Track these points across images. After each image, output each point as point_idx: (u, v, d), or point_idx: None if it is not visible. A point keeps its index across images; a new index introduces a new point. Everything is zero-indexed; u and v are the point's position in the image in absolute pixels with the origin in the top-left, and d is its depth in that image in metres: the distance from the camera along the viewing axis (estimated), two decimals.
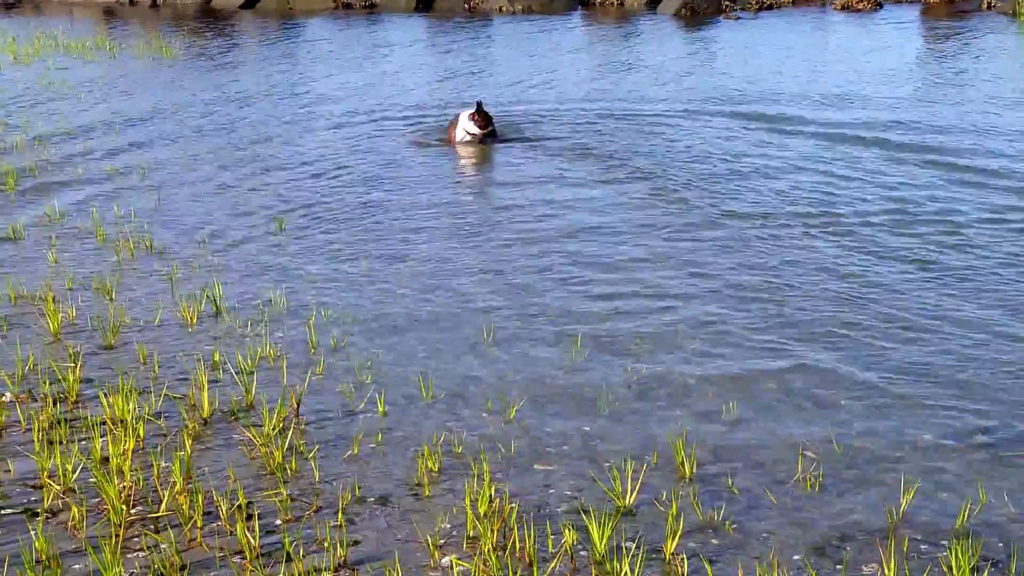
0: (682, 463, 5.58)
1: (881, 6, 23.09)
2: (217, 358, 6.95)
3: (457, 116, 12.55)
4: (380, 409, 6.27)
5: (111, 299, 8.04)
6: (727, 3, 23.26)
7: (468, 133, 12.23)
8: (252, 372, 6.79)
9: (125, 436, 5.79)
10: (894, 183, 10.55)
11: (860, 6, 22.85)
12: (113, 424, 5.95)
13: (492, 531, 4.92)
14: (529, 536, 4.84)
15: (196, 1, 28.02)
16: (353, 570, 4.73)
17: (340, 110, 14.41)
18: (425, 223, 9.71)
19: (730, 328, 7.34)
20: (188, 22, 24.91)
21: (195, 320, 7.61)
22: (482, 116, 12.22)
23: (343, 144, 12.60)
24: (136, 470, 5.51)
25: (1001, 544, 4.88)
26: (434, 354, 7.10)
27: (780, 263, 8.50)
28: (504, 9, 25.10)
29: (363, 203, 10.34)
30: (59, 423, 6.05)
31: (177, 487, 5.28)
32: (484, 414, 6.28)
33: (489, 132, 12.26)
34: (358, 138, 12.84)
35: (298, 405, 6.28)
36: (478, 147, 12.26)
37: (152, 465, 5.55)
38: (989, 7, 21.87)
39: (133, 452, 5.68)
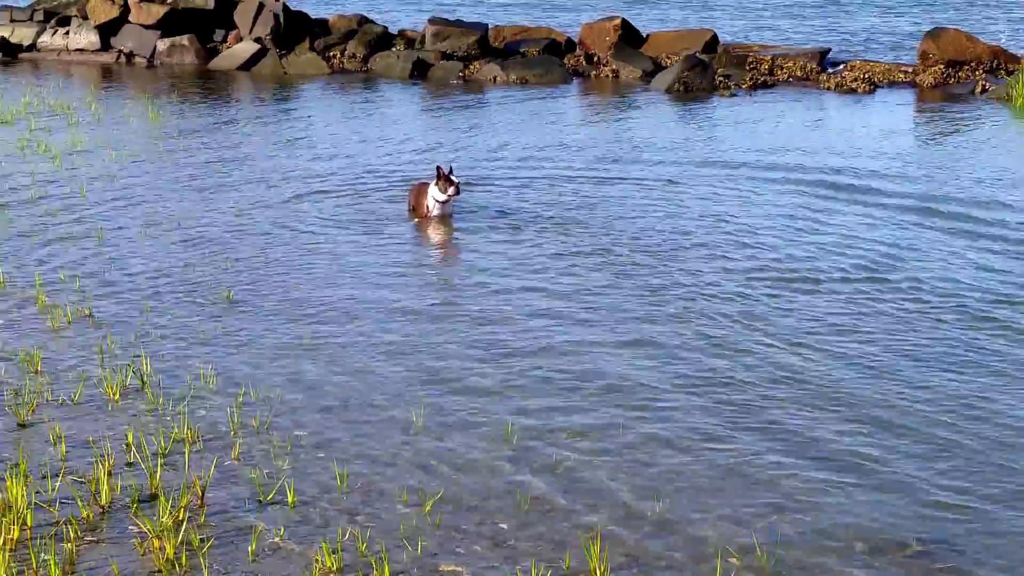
0: (594, 569, 5.27)
1: (876, 88, 22.94)
2: (131, 439, 6.67)
3: (421, 186, 12.28)
4: (290, 499, 5.99)
5: (35, 371, 7.77)
6: (721, 79, 23.13)
7: (438, 202, 11.96)
8: (165, 455, 6.50)
9: (11, 524, 5.49)
10: (873, 249, 10.29)
11: (855, 86, 22.70)
12: (1, 511, 5.66)
13: None
14: None
15: (193, 62, 28.00)
16: None
17: (314, 177, 14.19)
18: (374, 303, 9.40)
19: (668, 422, 7.05)
20: (182, 83, 24.84)
21: (118, 396, 7.35)
22: (445, 180, 11.95)
23: (308, 214, 12.35)
24: (13, 563, 5.20)
25: None
26: (359, 439, 6.82)
27: (731, 342, 8.23)
28: (498, 79, 25.00)
29: (314, 278, 10.04)
30: None
31: None
32: (399, 506, 6.00)
33: (456, 191, 11.95)
34: (324, 208, 12.60)
35: (203, 493, 5.98)
36: (444, 218, 12.04)
37: (30, 558, 5.25)
38: (983, 92, 21.70)
39: (17, 542, 5.38)
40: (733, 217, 12.19)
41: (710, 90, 22.60)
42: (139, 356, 7.96)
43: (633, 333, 8.59)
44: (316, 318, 8.94)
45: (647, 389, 7.55)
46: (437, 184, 11.90)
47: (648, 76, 24.73)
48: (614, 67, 25.61)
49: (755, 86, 23.26)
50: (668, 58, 25.94)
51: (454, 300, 9.48)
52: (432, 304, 9.33)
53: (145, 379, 7.58)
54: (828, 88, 22.90)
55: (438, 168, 12.01)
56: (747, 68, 24.52)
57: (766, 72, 24.45)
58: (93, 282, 9.82)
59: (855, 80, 23.06)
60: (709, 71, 23.38)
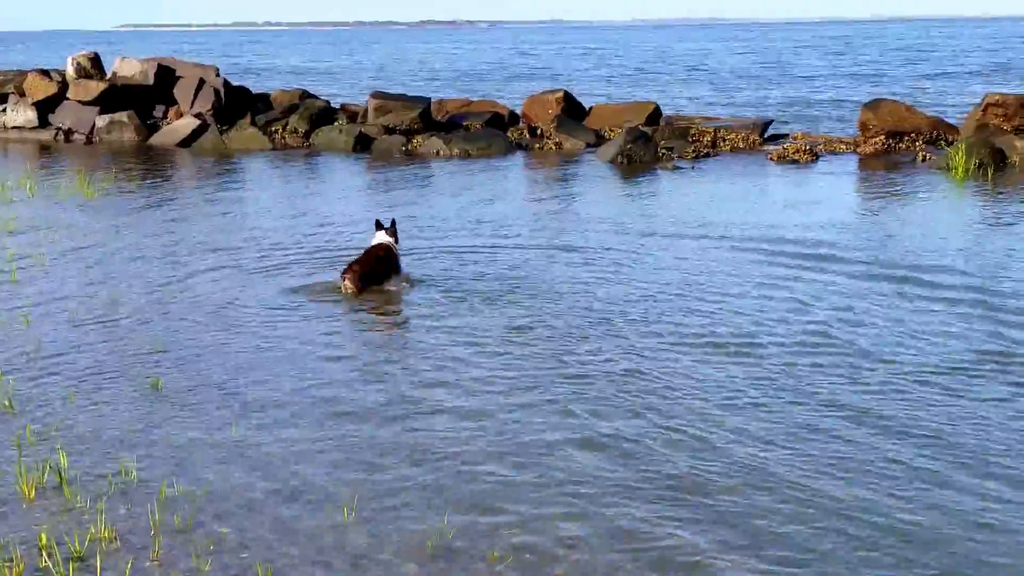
0: None
1: (818, 158, 23.03)
2: (44, 541, 6.31)
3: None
4: None
5: None
6: (664, 151, 23.13)
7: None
8: (80, 558, 6.16)
9: None
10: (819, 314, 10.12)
11: (797, 157, 22.77)
12: None
13: None
14: None
15: (133, 138, 27.73)
16: None
17: (252, 254, 13.90)
18: (308, 392, 9.09)
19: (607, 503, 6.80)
20: (121, 160, 24.55)
21: (33, 494, 6.99)
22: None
23: (245, 293, 12.04)
24: None
25: None
26: (285, 536, 6.51)
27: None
28: (441, 152, 24.89)
29: (244, 365, 9.70)
30: None
31: None
32: None
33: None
34: (261, 287, 12.30)
35: None
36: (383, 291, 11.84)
37: None
38: (924, 160, 21.83)
39: None
40: (673, 284, 12.05)
41: (653, 162, 22.60)
42: (58, 449, 7.61)
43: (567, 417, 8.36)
44: (244, 409, 8.61)
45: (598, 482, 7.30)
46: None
47: (591, 148, 24.75)
48: (557, 139, 25.64)
49: (698, 157, 23.29)
50: (611, 130, 26.03)
51: (387, 388, 9.17)
52: (365, 394, 9.02)
53: (63, 475, 7.23)
54: (771, 159, 22.96)
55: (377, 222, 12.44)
56: (689, 140, 24.61)
57: (709, 144, 24.54)
58: (15, 368, 9.46)
59: (797, 151, 23.13)
60: (652, 143, 23.39)
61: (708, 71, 60.60)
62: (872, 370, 9.34)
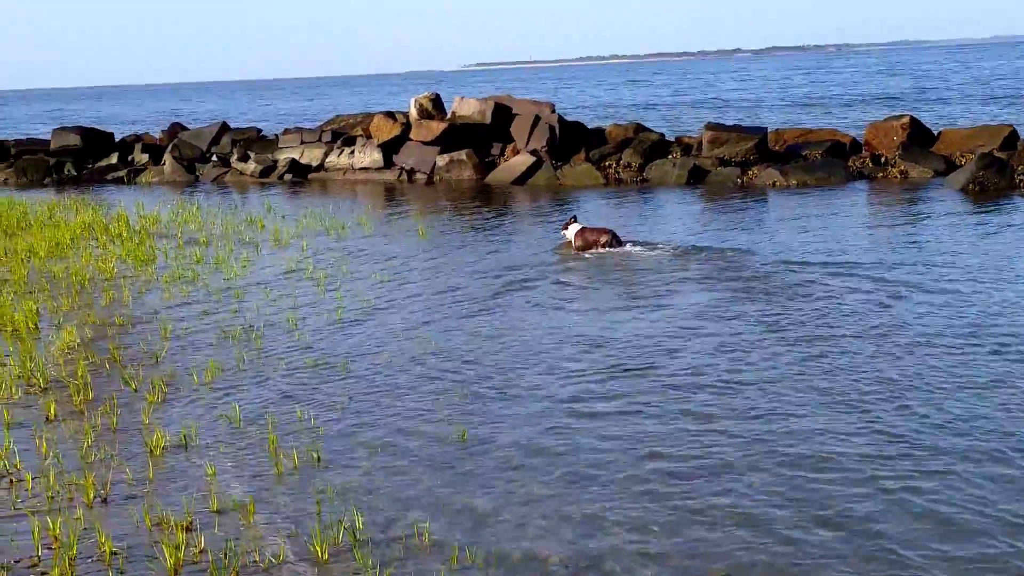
0: None
1: None
2: None
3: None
4: None
5: (248, 524, 7.33)
6: (1021, 178, 21.38)
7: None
8: None
9: None
10: None
11: None
12: None
13: None
14: None
15: (471, 176, 28.21)
16: None
17: (546, 287, 13.58)
18: (633, 452, 8.61)
19: None
20: (458, 198, 24.96)
21: (326, 555, 6.79)
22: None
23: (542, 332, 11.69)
24: None
25: None
26: None
27: None
28: (777, 183, 23.99)
29: (555, 426, 9.32)
30: None
31: None
32: None
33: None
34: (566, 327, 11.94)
35: None
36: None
37: None
38: None
39: None
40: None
41: (1008, 189, 20.92)
42: (354, 507, 7.42)
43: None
44: (554, 467, 8.19)
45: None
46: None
47: (939, 176, 23.26)
48: (902, 167, 24.26)
49: None
50: (961, 157, 24.37)
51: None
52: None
53: (357, 536, 7.02)
54: None
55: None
56: None
57: None
58: (328, 420, 9.41)
59: None
60: (1008, 169, 21.67)
61: None
62: None
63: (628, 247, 16.70)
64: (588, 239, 16.89)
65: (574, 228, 17.17)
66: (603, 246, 16.71)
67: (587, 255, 16.54)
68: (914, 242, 16.32)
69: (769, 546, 6.70)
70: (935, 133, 26.69)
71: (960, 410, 8.87)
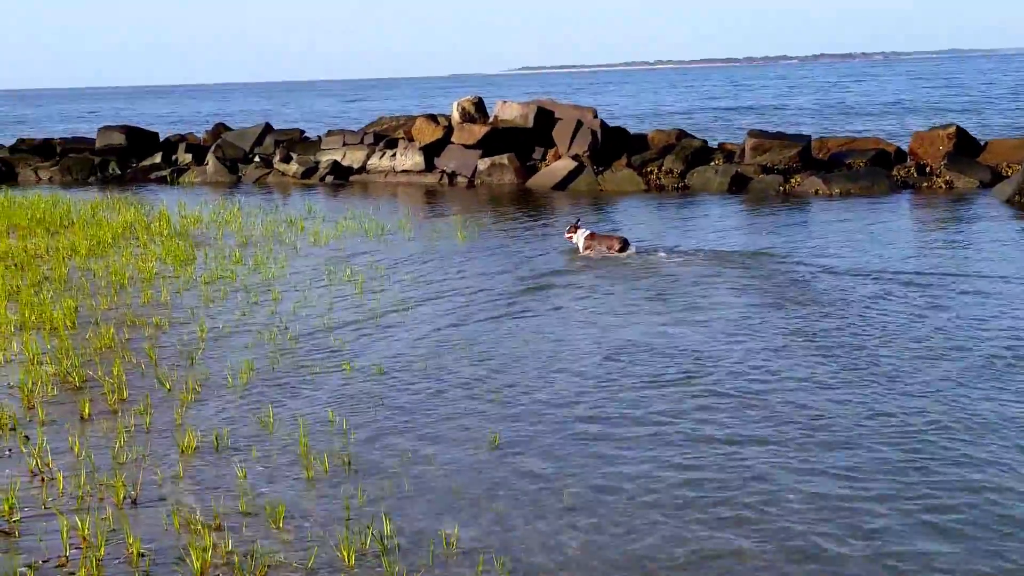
0: None
1: None
2: None
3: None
4: None
5: (278, 527, 7.28)
6: None
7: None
8: None
9: None
10: None
11: None
12: None
13: None
14: None
15: (513, 180, 28.16)
16: None
17: (567, 297, 13.50)
18: (664, 465, 8.51)
19: None
20: (498, 203, 24.90)
21: (353, 561, 6.73)
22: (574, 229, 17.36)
23: (563, 346, 11.61)
24: None
25: None
26: None
27: None
28: (819, 192, 23.80)
29: (592, 429, 9.23)
30: None
31: None
32: None
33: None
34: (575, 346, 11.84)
35: None
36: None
37: None
38: None
39: None
40: None
41: None
42: (384, 512, 7.36)
43: None
44: (586, 479, 8.11)
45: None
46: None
47: (986, 187, 22.98)
48: (947, 177, 23.99)
49: None
50: (1008, 168, 24.07)
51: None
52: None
53: (385, 542, 6.95)
54: None
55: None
56: None
57: None
58: (360, 424, 9.36)
59: None
60: None
61: None
62: None
63: (661, 254, 16.63)
64: (597, 245, 16.92)
65: (582, 233, 17.16)
66: (612, 252, 16.73)
67: (593, 255, 16.86)
68: (959, 253, 16.11)
69: (803, 563, 6.58)
70: (981, 143, 26.37)
71: (992, 415, 8.72)
